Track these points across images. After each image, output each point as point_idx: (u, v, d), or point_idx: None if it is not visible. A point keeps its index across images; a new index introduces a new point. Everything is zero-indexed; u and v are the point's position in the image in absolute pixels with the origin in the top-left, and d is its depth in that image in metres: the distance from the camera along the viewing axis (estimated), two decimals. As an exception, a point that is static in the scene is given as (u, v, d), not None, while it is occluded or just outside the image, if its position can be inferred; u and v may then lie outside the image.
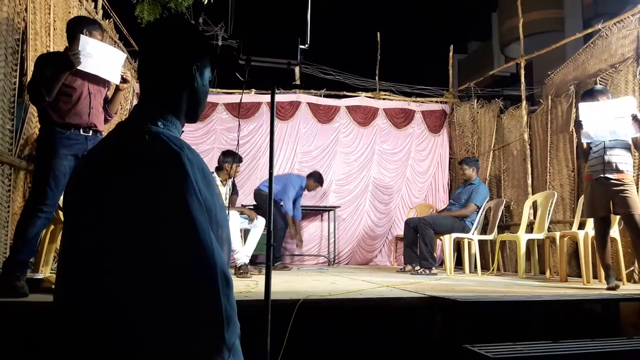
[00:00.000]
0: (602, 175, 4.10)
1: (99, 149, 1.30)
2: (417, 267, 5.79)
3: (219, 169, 5.81)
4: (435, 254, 6.06)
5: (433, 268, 5.75)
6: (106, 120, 3.48)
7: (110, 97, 3.51)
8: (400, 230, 7.76)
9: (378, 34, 8.51)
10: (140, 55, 1.42)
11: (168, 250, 1.15)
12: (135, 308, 1.14)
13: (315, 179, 6.99)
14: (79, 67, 3.10)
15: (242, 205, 6.02)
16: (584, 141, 4.24)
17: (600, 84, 5.15)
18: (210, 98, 7.78)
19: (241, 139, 7.50)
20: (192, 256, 1.15)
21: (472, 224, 6.08)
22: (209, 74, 1.44)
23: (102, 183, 1.21)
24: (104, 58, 3.25)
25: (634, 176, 4.22)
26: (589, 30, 5.93)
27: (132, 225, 1.16)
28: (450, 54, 8.65)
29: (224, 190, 5.79)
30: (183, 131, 1.40)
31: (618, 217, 4.38)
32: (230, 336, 1.17)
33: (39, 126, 3.25)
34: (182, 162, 1.18)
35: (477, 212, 6.13)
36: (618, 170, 4.06)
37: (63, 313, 1.22)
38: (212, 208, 1.21)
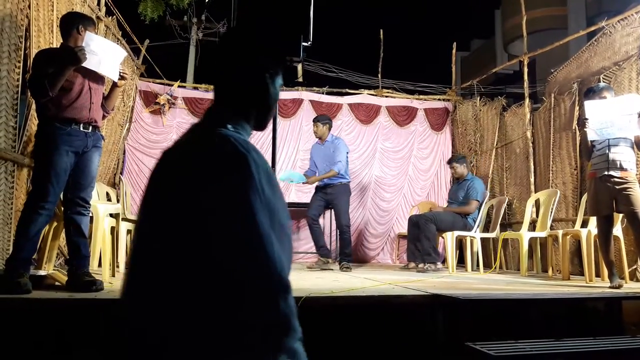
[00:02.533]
0: (605, 173, 4.10)
1: (173, 148, 1.37)
2: (422, 265, 5.77)
3: None
4: (438, 249, 6.04)
5: (438, 263, 5.73)
6: (104, 117, 3.49)
7: (107, 93, 3.50)
8: (402, 228, 7.75)
9: (381, 31, 8.50)
10: (214, 62, 1.47)
11: (228, 251, 1.17)
12: (194, 306, 1.16)
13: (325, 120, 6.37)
14: (84, 65, 3.11)
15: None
16: (591, 139, 4.23)
17: (603, 82, 5.13)
18: (213, 95, 7.77)
19: (243, 137, 7.50)
20: (251, 258, 1.17)
21: (474, 221, 6.07)
22: (280, 82, 1.47)
23: (171, 181, 1.28)
24: (106, 55, 3.25)
25: (637, 174, 4.21)
26: (593, 28, 5.90)
27: (196, 223, 1.20)
28: (453, 51, 8.62)
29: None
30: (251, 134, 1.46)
31: (621, 215, 4.37)
32: (288, 340, 1.17)
33: (38, 122, 3.24)
34: (248, 164, 1.22)
35: (479, 208, 6.12)
36: (622, 168, 4.05)
37: (126, 308, 1.26)
38: (275, 209, 1.24)
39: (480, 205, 6.17)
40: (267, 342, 1.15)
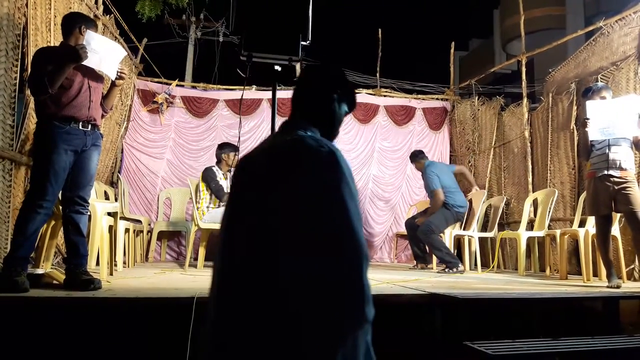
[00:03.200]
0: (605, 173, 4.10)
1: (260, 150, 1.62)
2: (445, 268, 5.61)
3: (218, 162, 5.81)
4: (452, 252, 5.86)
5: (459, 265, 5.56)
6: (102, 116, 3.48)
7: (105, 92, 3.50)
8: (400, 228, 7.76)
9: (379, 30, 8.49)
10: (297, 86, 1.81)
11: (323, 234, 1.36)
12: (293, 284, 1.33)
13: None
14: (84, 63, 3.11)
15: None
16: (592, 138, 4.23)
17: (601, 82, 5.14)
18: (211, 94, 7.77)
19: (242, 136, 7.48)
20: (344, 240, 1.36)
21: (455, 206, 5.92)
22: (345, 109, 1.83)
23: (266, 177, 1.47)
24: (106, 54, 3.26)
25: (635, 174, 4.22)
26: (591, 28, 5.91)
27: (292, 211, 1.38)
28: (452, 51, 8.63)
29: (227, 184, 5.79)
30: None
31: (619, 215, 4.38)
32: (369, 310, 1.34)
33: (37, 120, 3.24)
34: (337, 158, 1.44)
35: (448, 192, 5.99)
36: (621, 168, 4.06)
37: (224, 293, 1.44)
38: (356, 198, 1.43)
39: (444, 188, 6.02)
40: (356, 311, 1.32)
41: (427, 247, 6.21)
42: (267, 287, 1.35)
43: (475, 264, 5.99)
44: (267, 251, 1.38)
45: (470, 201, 6.63)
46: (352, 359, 1.31)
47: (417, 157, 6.52)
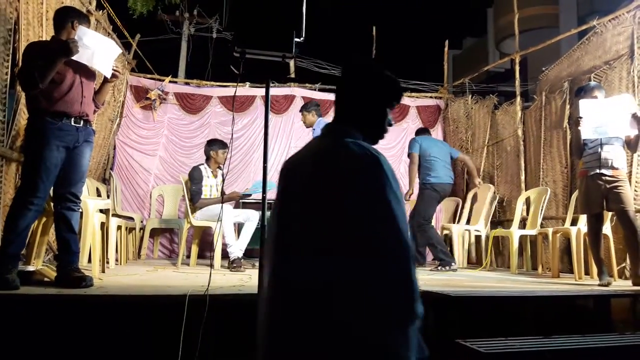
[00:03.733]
0: (597, 172, 4.12)
1: (306, 155, 1.67)
2: (438, 266, 5.56)
3: (207, 159, 5.78)
4: (447, 251, 5.79)
5: (453, 263, 5.50)
6: (94, 111, 3.46)
7: (97, 88, 3.47)
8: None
9: (373, 28, 8.49)
10: (341, 86, 1.78)
11: (371, 235, 1.43)
12: (346, 282, 1.41)
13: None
14: (74, 57, 3.08)
15: (233, 192, 5.96)
16: (586, 137, 4.24)
17: (594, 81, 5.15)
18: (204, 91, 7.74)
19: (235, 133, 7.46)
20: (392, 241, 1.43)
21: (435, 184, 5.84)
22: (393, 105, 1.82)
23: (314, 184, 1.54)
24: (99, 51, 3.23)
25: (627, 173, 4.23)
26: (584, 27, 5.93)
27: (342, 216, 1.45)
28: (446, 49, 8.64)
29: (216, 182, 5.76)
30: None
31: (610, 213, 4.39)
32: (419, 307, 1.42)
33: (28, 116, 3.21)
34: (381, 163, 1.50)
35: (432, 160, 5.93)
36: (613, 167, 4.08)
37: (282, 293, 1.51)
38: (401, 201, 1.50)
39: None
40: (407, 307, 1.41)
41: (420, 247, 6.16)
42: (321, 289, 1.43)
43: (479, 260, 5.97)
44: (319, 255, 1.46)
45: (475, 195, 6.64)
46: (405, 352, 1.40)
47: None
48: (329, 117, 7.63)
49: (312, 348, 1.41)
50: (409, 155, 6.01)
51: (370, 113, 1.75)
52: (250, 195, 5.90)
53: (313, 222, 1.50)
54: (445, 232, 6.64)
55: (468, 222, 6.71)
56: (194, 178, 5.57)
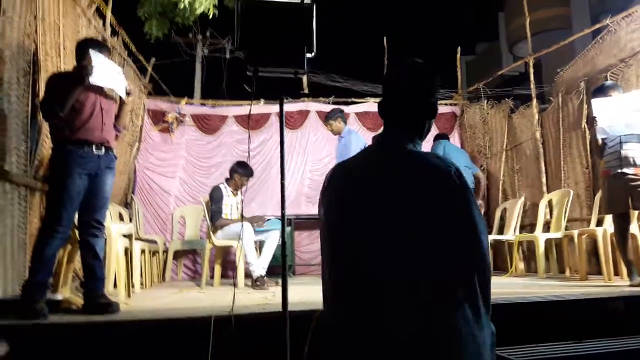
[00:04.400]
0: (619, 171, 4.06)
1: (369, 166, 1.66)
2: None
3: (229, 179, 5.81)
4: None
5: None
6: (117, 137, 3.51)
7: (116, 112, 3.53)
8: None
9: (384, 39, 8.50)
10: (390, 92, 1.77)
11: (460, 250, 1.48)
12: (436, 289, 1.46)
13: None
14: (91, 82, 3.14)
15: (255, 215, 6.00)
16: (599, 137, 4.20)
17: (610, 79, 5.10)
18: (220, 110, 7.80)
19: (252, 151, 7.50)
20: (477, 256, 1.49)
21: None
22: None
23: (397, 200, 1.54)
24: (111, 73, 3.28)
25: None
26: (597, 26, 5.89)
27: (426, 231, 1.49)
28: (458, 55, 8.61)
29: (237, 200, 5.79)
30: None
31: (637, 212, 4.32)
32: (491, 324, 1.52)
33: (52, 146, 3.28)
34: (465, 179, 1.54)
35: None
36: (635, 165, 4.01)
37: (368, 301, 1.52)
38: (482, 215, 1.58)
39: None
40: (488, 314, 1.50)
41: None
42: (410, 298, 1.46)
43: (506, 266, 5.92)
44: (405, 270, 1.48)
45: (505, 209, 6.62)
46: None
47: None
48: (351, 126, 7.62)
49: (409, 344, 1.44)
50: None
51: (429, 113, 1.74)
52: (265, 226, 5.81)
53: (404, 252, 1.49)
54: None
55: (500, 232, 6.67)
56: (214, 197, 5.61)
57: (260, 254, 5.31)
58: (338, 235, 1.63)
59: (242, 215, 4.65)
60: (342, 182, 1.68)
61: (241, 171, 5.74)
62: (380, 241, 1.52)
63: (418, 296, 1.45)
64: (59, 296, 3.35)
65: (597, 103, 4.16)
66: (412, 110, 1.72)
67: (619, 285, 4.13)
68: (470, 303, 1.45)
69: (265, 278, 5.08)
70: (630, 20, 5.19)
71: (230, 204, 5.70)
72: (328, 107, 7.98)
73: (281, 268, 2.49)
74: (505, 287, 4.36)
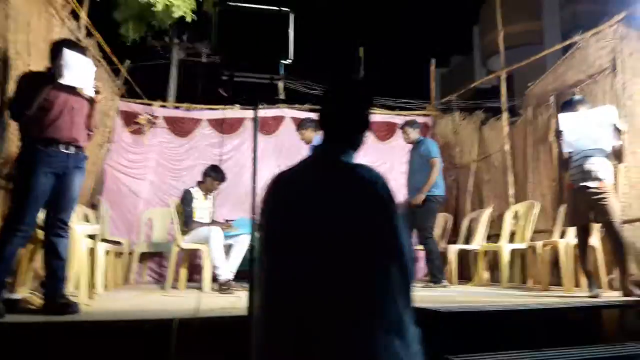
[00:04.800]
0: (582, 184, 4.15)
1: (303, 176, 1.73)
2: (430, 282, 5.52)
3: (201, 182, 5.79)
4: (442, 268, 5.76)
5: (444, 281, 5.49)
6: (89, 137, 3.46)
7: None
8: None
9: (361, 49, 8.57)
10: (325, 109, 1.86)
11: (383, 258, 1.54)
12: (356, 284, 1.52)
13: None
14: (62, 82, 3.10)
15: (225, 220, 5.97)
16: (566, 151, 4.29)
17: (578, 95, 5.22)
18: (194, 114, 7.76)
19: (225, 155, 7.46)
20: (399, 264, 1.54)
21: (439, 196, 5.73)
22: None
23: (323, 198, 1.62)
24: (81, 71, 3.24)
25: (613, 184, 4.27)
26: (567, 42, 6.02)
27: (354, 230, 1.55)
28: (432, 67, 8.72)
29: (207, 205, 5.76)
30: None
31: (598, 225, 4.41)
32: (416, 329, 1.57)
33: (19, 144, 3.22)
34: (390, 190, 1.61)
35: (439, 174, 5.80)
36: (598, 179, 4.10)
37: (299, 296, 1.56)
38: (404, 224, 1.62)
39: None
40: (411, 309, 1.57)
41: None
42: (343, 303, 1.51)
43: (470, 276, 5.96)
44: (337, 277, 1.53)
45: (472, 220, 6.69)
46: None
47: (412, 125, 6.10)
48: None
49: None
50: (433, 160, 5.69)
51: (361, 126, 1.83)
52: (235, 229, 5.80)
53: (330, 262, 1.54)
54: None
55: (467, 241, 6.73)
56: (186, 200, 5.58)
57: (228, 258, 5.27)
58: (271, 243, 1.68)
59: (212, 220, 4.61)
60: (279, 191, 1.74)
61: (214, 175, 5.73)
62: (308, 251, 1.57)
63: (342, 310, 1.50)
64: (17, 295, 3.29)
65: (564, 117, 4.26)
66: (347, 123, 1.81)
67: (579, 296, 4.22)
68: (394, 318, 1.51)
69: (233, 282, 5.05)
70: (599, 37, 5.32)
71: (200, 207, 5.67)
72: (303, 114, 8.00)
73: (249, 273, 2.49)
74: (468, 295, 4.42)
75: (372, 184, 1.61)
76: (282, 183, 1.75)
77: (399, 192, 8.05)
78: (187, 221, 5.50)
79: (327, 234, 1.56)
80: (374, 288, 1.52)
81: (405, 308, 1.55)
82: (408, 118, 8.35)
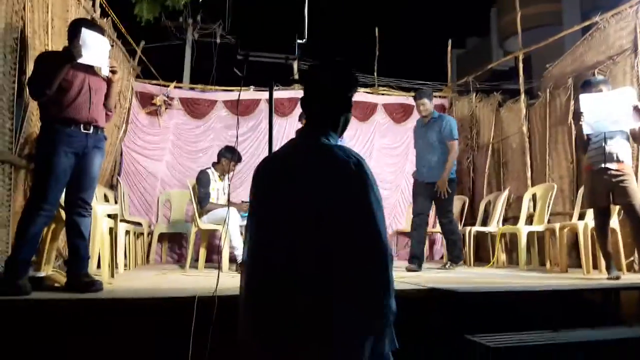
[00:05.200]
0: (602, 166, 4.11)
1: (287, 158, 1.80)
2: (447, 263, 5.49)
3: (216, 163, 5.81)
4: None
5: (461, 262, 5.45)
6: (107, 117, 3.49)
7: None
8: (400, 225, 7.77)
9: (376, 29, 8.50)
10: (308, 90, 1.90)
11: (354, 234, 1.60)
12: (334, 271, 1.58)
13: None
14: (80, 61, 3.12)
15: (242, 201, 6.01)
16: (586, 132, 4.24)
17: (599, 76, 5.14)
18: (209, 95, 7.77)
19: (240, 136, 7.48)
20: (374, 244, 1.60)
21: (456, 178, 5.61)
22: None
23: (300, 188, 1.68)
24: (99, 50, 3.25)
25: (633, 166, 4.22)
26: (587, 23, 5.93)
27: (328, 218, 1.61)
28: (449, 48, 8.64)
29: (223, 185, 5.79)
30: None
31: (617, 207, 4.38)
32: (391, 302, 1.60)
33: (39, 124, 3.26)
34: (365, 168, 1.67)
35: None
36: (618, 161, 4.07)
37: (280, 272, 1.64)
38: (381, 204, 1.69)
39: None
40: (381, 301, 1.58)
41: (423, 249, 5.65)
42: (313, 282, 1.58)
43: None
44: (311, 252, 1.60)
45: (490, 202, 6.66)
46: (379, 344, 1.58)
47: (429, 95, 5.64)
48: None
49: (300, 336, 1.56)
50: (455, 142, 5.39)
51: (346, 107, 1.88)
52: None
53: (304, 224, 1.62)
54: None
55: (484, 224, 6.72)
56: (202, 182, 5.61)
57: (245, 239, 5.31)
58: (259, 219, 1.75)
59: (228, 200, 4.64)
60: (266, 171, 1.82)
61: (229, 156, 5.75)
62: (289, 228, 1.65)
63: (317, 285, 1.58)
64: (42, 273, 3.35)
65: (585, 99, 4.19)
66: (330, 106, 1.86)
67: (597, 278, 4.21)
68: (367, 289, 1.58)
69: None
70: (619, 18, 5.24)
71: (217, 189, 5.71)
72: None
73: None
74: (486, 277, 4.42)
75: (345, 163, 1.66)
76: (268, 165, 1.82)
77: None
78: (202, 201, 5.54)
79: (305, 213, 1.63)
80: (347, 263, 1.57)
81: (379, 282, 1.59)
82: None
